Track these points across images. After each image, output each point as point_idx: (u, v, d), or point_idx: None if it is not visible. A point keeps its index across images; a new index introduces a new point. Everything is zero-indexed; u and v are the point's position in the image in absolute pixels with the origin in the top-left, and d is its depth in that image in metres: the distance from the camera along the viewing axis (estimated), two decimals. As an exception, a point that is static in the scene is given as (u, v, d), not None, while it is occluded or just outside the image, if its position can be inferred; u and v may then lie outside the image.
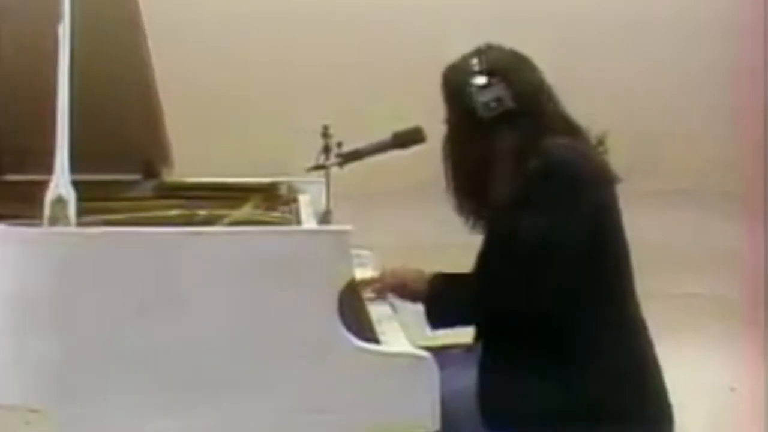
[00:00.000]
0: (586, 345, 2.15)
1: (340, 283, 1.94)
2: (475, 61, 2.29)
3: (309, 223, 2.38)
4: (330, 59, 5.93)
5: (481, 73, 2.25)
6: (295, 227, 2.30)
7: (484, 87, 2.23)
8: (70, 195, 1.90)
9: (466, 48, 2.41)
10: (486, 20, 6.45)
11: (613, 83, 6.62)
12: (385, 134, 2.51)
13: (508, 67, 2.28)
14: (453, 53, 2.44)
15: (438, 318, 2.28)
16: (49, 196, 1.89)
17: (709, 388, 3.98)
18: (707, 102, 6.81)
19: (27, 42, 2.12)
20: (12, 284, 1.90)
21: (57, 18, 1.97)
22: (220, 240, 1.97)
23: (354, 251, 2.44)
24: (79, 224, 1.93)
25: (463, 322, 2.32)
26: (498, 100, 2.22)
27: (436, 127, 2.38)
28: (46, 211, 1.89)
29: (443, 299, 2.31)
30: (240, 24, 5.14)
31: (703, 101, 6.84)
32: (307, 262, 1.92)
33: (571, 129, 2.28)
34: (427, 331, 2.32)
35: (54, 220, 1.89)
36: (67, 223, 1.89)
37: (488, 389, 2.15)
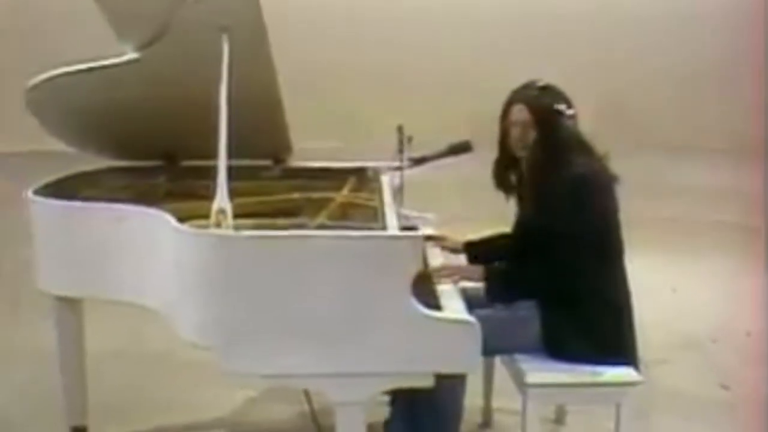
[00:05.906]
0: (599, 297, 2.80)
1: (414, 271, 2.42)
2: (549, 88, 2.81)
3: (388, 198, 2.90)
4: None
5: (564, 101, 2.79)
6: (383, 232, 2.62)
7: (573, 113, 2.80)
8: (228, 207, 2.49)
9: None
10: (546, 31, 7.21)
11: (629, 70, 7.37)
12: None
13: (568, 98, 2.83)
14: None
15: (498, 295, 2.81)
16: (214, 207, 2.48)
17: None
18: (708, 83, 7.49)
19: (202, 87, 2.69)
20: (193, 266, 2.46)
21: (219, 79, 2.64)
22: (329, 241, 2.43)
23: (420, 213, 3.12)
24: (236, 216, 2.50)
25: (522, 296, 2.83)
26: (575, 122, 2.81)
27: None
28: (212, 218, 2.48)
29: (501, 280, 2.81)
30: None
31: (703, 83, 7.48)
32: (391, 257, 2.40)
33: (584, 145, 2.84)
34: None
35: (217, 225, 2.48)
36: (228, 227, 2.48)
37: (549, 332, 2.80)
